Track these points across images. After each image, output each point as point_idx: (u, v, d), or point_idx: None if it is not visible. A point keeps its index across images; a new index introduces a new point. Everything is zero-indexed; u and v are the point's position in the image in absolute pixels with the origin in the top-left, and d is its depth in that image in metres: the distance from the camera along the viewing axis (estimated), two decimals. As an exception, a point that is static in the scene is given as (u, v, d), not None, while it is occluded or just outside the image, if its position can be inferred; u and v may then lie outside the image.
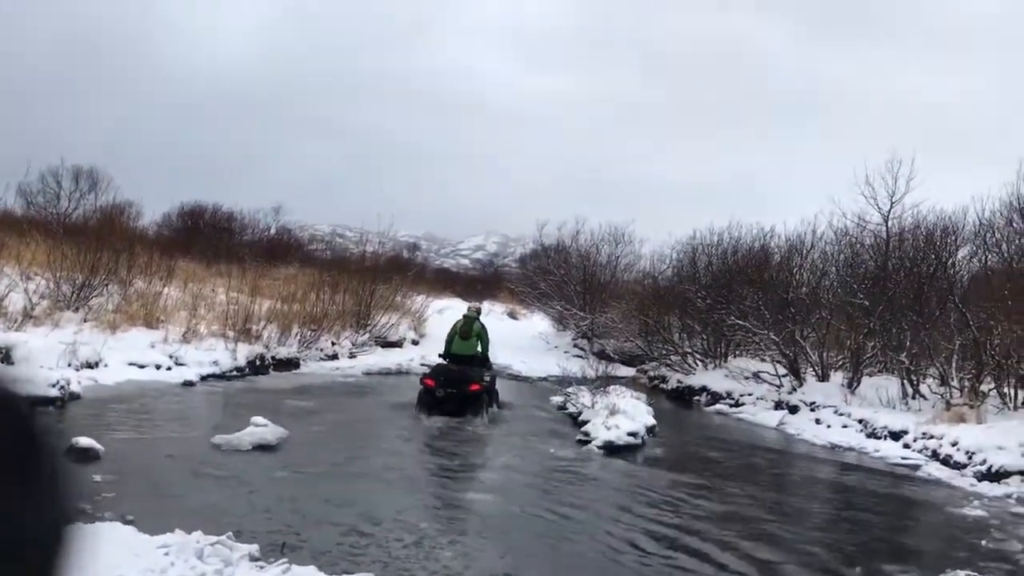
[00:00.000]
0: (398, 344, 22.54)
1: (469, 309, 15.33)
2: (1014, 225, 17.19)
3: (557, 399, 15.05)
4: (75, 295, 15.53)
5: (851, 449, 13.18)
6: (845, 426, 14.27)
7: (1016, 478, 10.44)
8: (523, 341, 25.15)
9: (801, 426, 14.93)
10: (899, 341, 15.75)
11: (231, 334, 16.38)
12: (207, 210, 34.59)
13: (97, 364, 12.81)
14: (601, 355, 23.69)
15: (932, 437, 12.36)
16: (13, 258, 16.36)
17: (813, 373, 17.33)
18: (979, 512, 9.11)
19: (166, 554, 5.13)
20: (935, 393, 14.68)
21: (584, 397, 13.68)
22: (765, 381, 17.71)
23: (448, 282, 46.41)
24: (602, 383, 14.29)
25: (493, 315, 28.69)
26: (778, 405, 16.52)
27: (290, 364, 17.41)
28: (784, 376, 17.44)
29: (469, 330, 14.16)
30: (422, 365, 20.04)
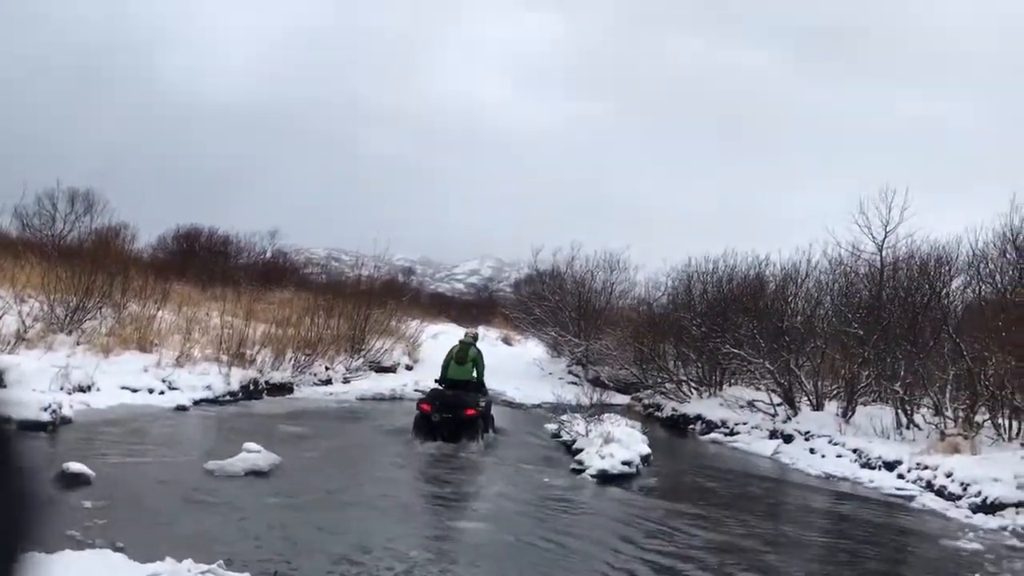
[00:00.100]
0: (392, 369, 22.48)
1: (465, 335, 15.42)
2: (1007, 256, 17.26)
3: (551, 427, 15.01)
4: (69, 318, 15.48)
5: (845, 479, 13.14)
6: (839, 456, 14.23)
7: (1011, 510, 10.40)
8: (517, 367, 25.12)
9: (796, 455, 14.89)
10: (893, 371, 15.75)
11: (225, 358, 16.33)
12: (203, 233, 34.58)
13: (90, 388, 12.75)
14: (596, 382, 23.67)
15: (926, 468, 12.33)
16: (7, 280, 16.33)
17: (808, 402, 17.31)
18: (974, 545, 9.07)
19: (156, 583, 5.08)
20: (929, 423, 14.66)
21: (578, 425, 13.64)
22: (760, 410, 17.69)
23: (443, 307, 46.39)
24: (596, 411, 14.25)
25: (487, 341, 28.64)
26: (773, 434, 16.48)
27: (284, 389, 17.33)
28: (779, 405, 17.42)
29: (465, 355, 14.23)
30: (416, 391, 19.98)
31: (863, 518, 10.51)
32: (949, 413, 14.19)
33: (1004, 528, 9.99)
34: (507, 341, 32.99)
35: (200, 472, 8.92)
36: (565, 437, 13.85)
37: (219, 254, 33.72)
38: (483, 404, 13.80)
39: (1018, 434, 13.55)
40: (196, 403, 14.21)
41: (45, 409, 10.34)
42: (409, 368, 23.40)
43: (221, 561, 5.58)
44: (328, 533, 7.20)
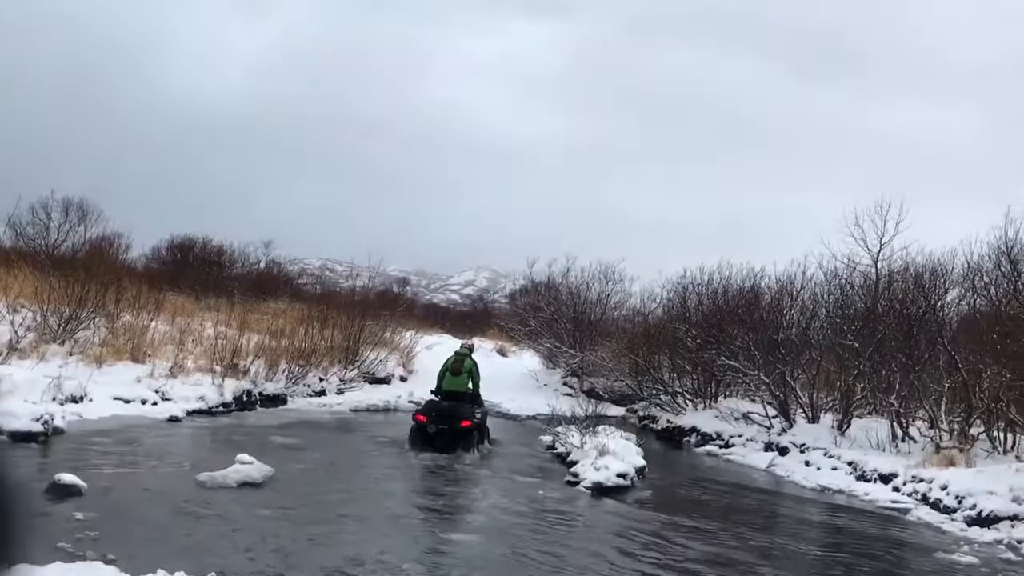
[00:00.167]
0: (386, 380, 22.43)
1: (461, 346, 15.51)
2: (1002, 269, 17.30)
3: (546, 438, 14.97)
4: (62, 328, 15.41)
5: (841, 492, 13.12)
6: (835, 468, 14.21)
7: (1006, 523, 10.38)
8: (512, 379, 25.07)
9: (791, 468, 14.86)
10: (889, 383, 15.75)
11: (218, 369, 16.26)
12: (197, 243, 34.51)
13: (82, 398, 12.69)
14: (591, 394, 23.64)
15: (922, 480, 12.31)
16: (0, 290, 16.26)
17: (803, 414, 17.30)
18: (969, 558, 9.05)
19: (147, 596, 5.03)
20: (925, 436, 14.66)
21: (573, 437, 13.60)
22: (755, 422, 17.66)
23: (438, 318, 46.35)
24: (591, 423, 14.22)
25: (482, 352, 28.59)
26: (768, 446, 16.46)
27: (277, 400, 17.27)
28: (774, 417, 17.40)
29: (461, 367, 14.35)
30: (411, 402, 19.98)
31: (858, 531, 10.48)
32: (944, 426, 14.19)
33: (999, 541, 9.97)
34: (502, 352, 32.93)
35: (192, 483, 8.86)
36: (560, 449, 13.81)
37: (213, 264, 33.65)
38: (479, 415, 13.90)
39: (1013, 447, 13.55)
40: (189, 414, 14.15)
41: (37, 420, 10.29)
42: (403, 379, 23.35)
43: (213, 573, 5.54)
44: (321, 545, 7.15)
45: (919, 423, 15.37)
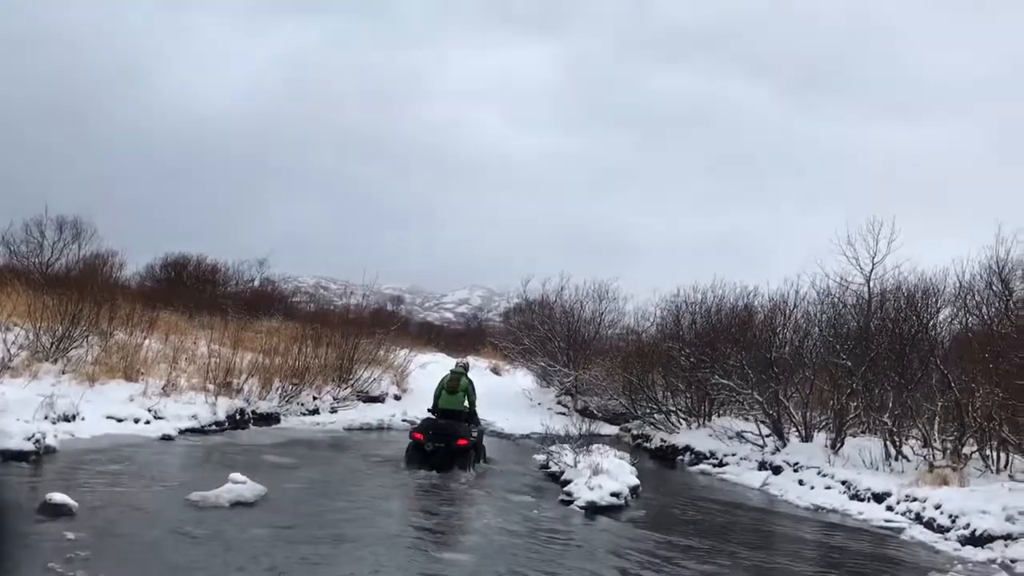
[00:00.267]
0: (380, 399, 22.36)
1: (456, 364, 15.51)
2: (993, 288, 17.40)
3: (540, 457, 14.94)
4: (55, 346, 15.36)
5: (834, 511, 13.12)
6: (828, 487, 14.20)
7: (999, 543, 10.39)
8: (506, 397, 25.00)
9: (784, 487, 14.85)
10: (882, 402, 15.78)
11: (211, 387, 16.23)
12: (191, 261, 34.50)
13: (74, 417, 12.64)
14: (584, 412, 23.60)
15: (915, 500, 12.31)
16: (-7, 308, 16.22)
17: (796, 433, 17.29)
18: (963, 577, 9.04)
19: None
20: (918, 455, 14.66)
21: (567, 456, 13.58)
22: (749, 441, 17.66)
23: (432, 336, 46.24)
24: (585, 442, 14.21)
25: (476, 371, 28.56)
26: (762, 465, 16.45)
27: (270, 419, 17.22)
28: (768, 436, 17.39)
29: (457, 385, 14.36)
30: (404, 420, 19.94)
31: (852, 550, 10.47)
32: (937, 445, 14.20)
33: (993, 561, 9.98)
34: (496, 371, 32.88)
35: (185, 503, 8.83)
36: (554, 468, 13.79)
37: (207, 282, 33.63)
38: (475, 434, 13.97)
39: (1006, 466, 13.56)
40: (182, 433, 14.11)
41: (29, 439, 10.25)
42: (397, 398, 23.29)
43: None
44: (315, 565, 7.13)
45: (912, 442, 15.37)
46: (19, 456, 9.95)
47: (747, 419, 18.79)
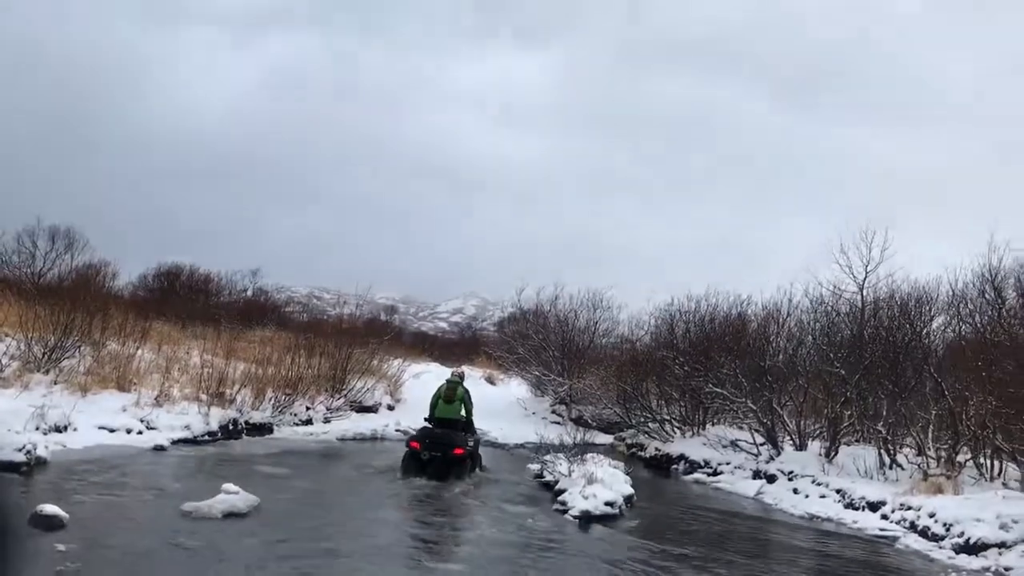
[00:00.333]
0: (374, 409, 22.30)
1: (453, 374, 15.55)
2: (986, 296, 17.45)
3: (534, 467, 14.90)
4: (46, 356, 15.30)
5: (829, 519, 13.10)
6: (823, 496, 14.19)
7: (993, 551, 10.38)
8: (500, 407, 24.96)
9: (779, 496, 14.84)
10: (876, 410, 15.79)
11: (204, 398, 16.17)
12: (183, 271, 34.45)
13: (66, 428, 12.58)
14: (579, 422, 23.60)
15: (910, 508, 12.31)
16: (-15, 318, 16.16)
17: (791, 442, 17.29)
18: (958, 586, 9.03)
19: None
20: (912, 463, 14.67)
21: (561, 465, 13.56)
22: (743, 449, 17.64)
23: (426, 346, 46.18)
24: (579, 451, 14.18)
25: (470, 380, 28.53)
26: (756, 474, 16.43)
27: (263, 429, 17.16)
28: (762, 444, 17.38)
29: (453, 394, 14.44)
30: (398, 430, 19.89)
31: (847, 559, 10.46)
32: (931, 453, 14.22)
33: (987, 569, 9.98)
34: (490, 380, 32.83)
35: (177, 514, 8.77)
36: (548, 477, 13.75)
37: (200, 292, 33.58)
38: (471, 443, 14.09)
39: (1000, 474, 13.59)
40: (174, 443, 14.03)
41: (20, 450, 10.19)
42: (391, 408, 23.22)
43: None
44: (305, 575, 7.09)
45: (906, 450, 15.39)
46: (10, 467, 9.89)
47: (741, 428, 18.78)
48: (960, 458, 13.95)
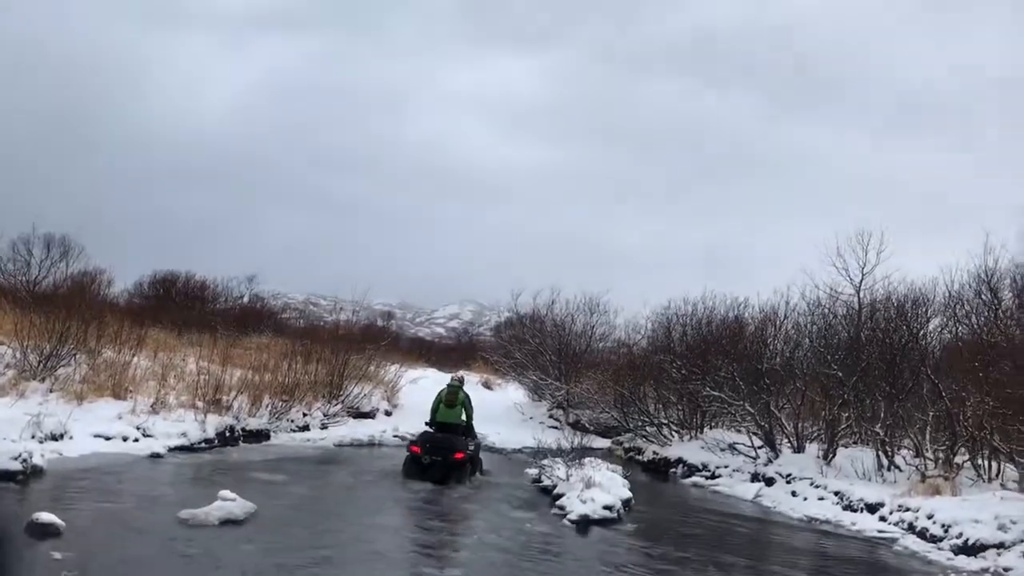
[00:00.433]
0: (371, 415, 22.24)
1: (453, 379, 15.57)
2: (982, 297, 17.47)
3: (532, 471, 14.88)
4: (42, 365, 15.25)
5: (828, 522, 13.09)
6: (821, 498, 14.18)
7: (992, 552, 10.39)
8: (498, 412, 24.89)
9: (777, 498, 14.83)
10: (873, 412, 15.78)
11: (201, 405, 16.11)
12: (179, 278, 34.38)
13: (62, 436, 12.52)
14: (576, 426, 23.55)
15: (908, 510, 12.30)
16: (-20, 327, 16.11)
17: (789, 444, 17.28)
18: (958, 587, 9.02)
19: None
20: (910, 465, 14.66)
21: (559, 470, 13.53)
22: (741, 453, 17.63)
23: (422, 351, 46.12)
24: (577, 455, 14.16)
25: (467, 385, 28.45)
26: (754, 477, 16.42)
27: (260, 436, 17.10)
28: (760, 447, 17.37)
29: (455, 399, 14.56)
30: (395, 436, 19.86)
31: (846, 561, 10.46)
32: (929, 454, 14.21)
33: (986, 570, 9.97)
34: (488, 385, 32.77)
35: (174, 521, 8.73)
36: (546, 482, 13.72)
37: (196, 299, 33.51)
38: (472, 447, 14.20)
39: (998, 475, 13.58)
40: (171, 450, 13.97)
41: (15, 458, 10.12)
42: (388, 414, 23.18)
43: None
44: (304, 583, 7.06)
45: (904, 452, 15.38)
46: (6, 476, 9.83)
47: (739, 431, 18.77)
48: (958, 459, 13.96)
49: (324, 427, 19.58)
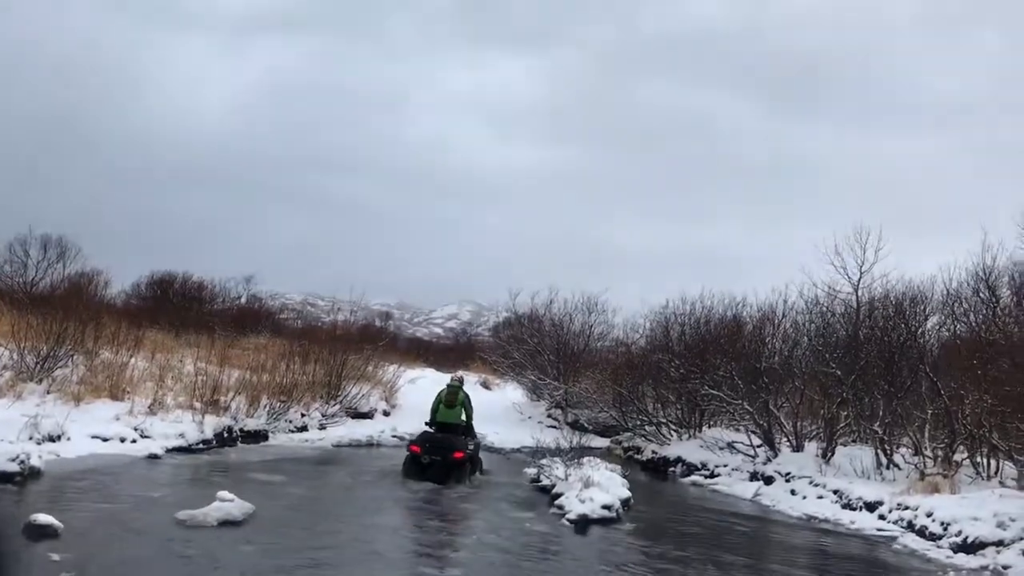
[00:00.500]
0: (369, 415, 22.22)
1: (453, 379, 15.60)
2: (980, 295, 17.48)
3: (531, 471, 14.86)
4: (39, 366, 15.22)
5: (827, 520, 13.07)
6: (820, 497, 14.17)
7: (991, 549, 10.38)
8: (496, 412, 24.87)
9: (776, 497, 14.82)
10: (872, 410, 15.78)
11: (198, 405, 16.09)
12: (177, 279, 34.33)
13: (60, 437, 12.50)
14: (575, 426, 23.53)
15: (907, 508, 12.30)
16: (-23, 328, 16.07)
17: (787, 443, 17.28)
18: (957, 585, 9.02)
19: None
20: (909, 463, 14.66)
21: (558, 469, 13.52)
22: (740, 451, 17.62)
23: (421, 351, 46.11)
24: (576, 455, 14.15)
25: (466, 385, 28.43)
26: (753, 476, 16.41)
27: (258, 436, 17.07)
28: (759, 446, 17.36)
29: (455, 399, 14.61)
30: (394, 436, 19.85)
31: (845, 559, 10.45)
32: (928, 452, 14.21)
33: (985, 567, 9.97)
34: (486, 385, 32.76)
35: (172, 522, 8.70)
36: (545, 481, 13.71)
37: (193, 300, 33.46)
38: (471, 447, 14.26)
39: (996, 472, 13.58)
40: (169, 451, 13.95)
41: (13, 459, 10.11)
42: (386, 414, 23.18)
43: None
44: (303, 583, 7.04)
45: (903, 450, 15.38)
46: (4, 477, 9.81)
47: (738, 430, 18.76)
48: (957, 457, 13.95)
49: (322, 427, 19.56)
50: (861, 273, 18.84)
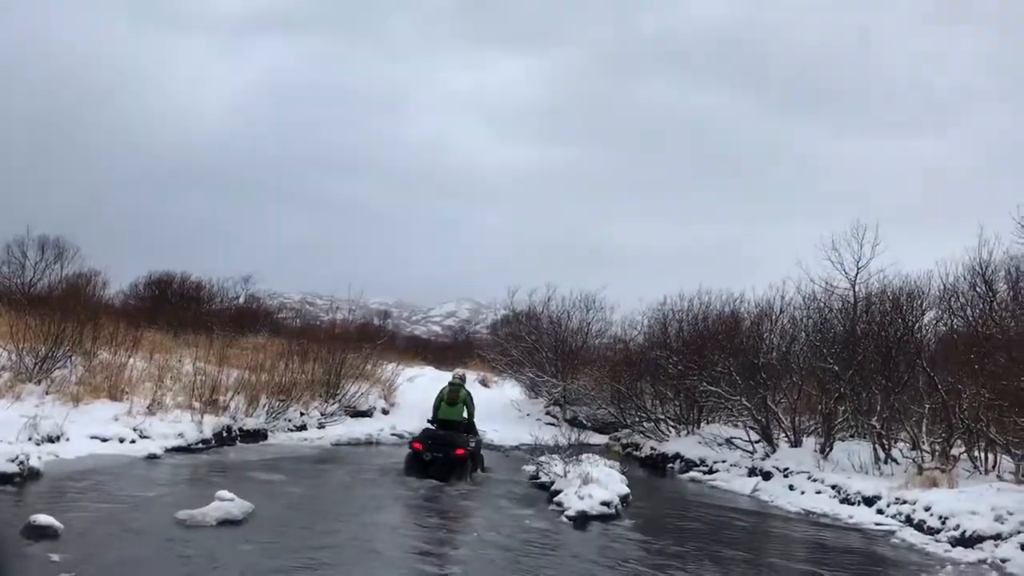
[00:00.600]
0: (368, 414, 22.24)
1: (454, 376, 15.65)
2: (977, 290, 17.51)
3: (529, 468, 14.89)
4: (38, 367, 15.23)
5: (825, 515, 13.11)
6: (819, 492, 14.20)
7: (989, 543, 10.41)
8: (495, 409, 24.91)
9: (775, 492, 14.85)
10: (870, 405, 15.80)
11: (197, 405, 16.10)
12: (175, 279, 34.32)
13: (58, 438, 12.51)
14: (573, 423, 23.58)
15: (905, 502, 12.33)
16: (-25, 330, 16.07)
17: (786, 438, 17.31)
18: (955, 579, 9.04)
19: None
20: (907, 457, 14.69)
21: (556, 466, 13.55)
22: (738, 447, 17.66)
23: (419, 349, 46.11)
24: (575, 451, 14.17)
25: (465, 383, 28.43)
26: (752, 471, 16.44)
27: (257, 435, 17.10)
28: (757, 442, 17.40)
29: (456, 396, 14.70)
30: (393, 434, 19.89)
31: (844, 554, 10.47)
32: (926, 447, 14.24)
33: (983, 561, 10.00)
34: (484, 383, 32.78)
35: (171, 522, 8.72)
36: (544, 478, 13.74)
37: (192, 300, 33.47)
38: (472, 444, 14.33)
39: (994, 466, 13.61)
40: (168, 451, 13.98)
41: (12, 460, 10.12)
42: (385, 412, 23.20)
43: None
44: (303, 582, 7.05)
45: (901, 444, 15.41)
46: (3, 478, 9.83)
47: (736, 425, 18.78)
48: (954, 451, 13.98)
49: (321, 426, 19.59)
50: (858, 269, 18.91)
